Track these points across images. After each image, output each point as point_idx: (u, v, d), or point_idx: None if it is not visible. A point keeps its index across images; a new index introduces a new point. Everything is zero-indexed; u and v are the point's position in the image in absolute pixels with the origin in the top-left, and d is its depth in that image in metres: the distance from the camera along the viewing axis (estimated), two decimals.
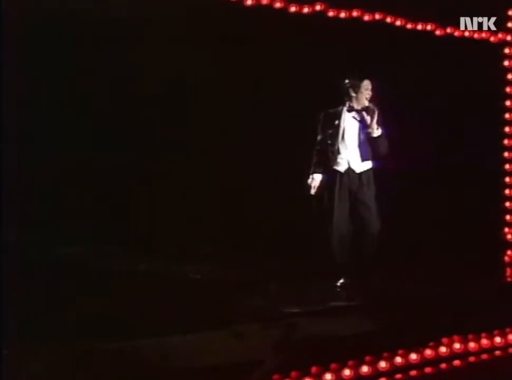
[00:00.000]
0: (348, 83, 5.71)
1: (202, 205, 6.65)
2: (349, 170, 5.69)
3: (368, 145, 5.67)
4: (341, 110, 5.75)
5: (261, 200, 6.63)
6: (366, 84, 5.68)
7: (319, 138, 5.80)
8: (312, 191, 5.75)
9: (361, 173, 5.70)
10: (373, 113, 5.61)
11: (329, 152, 5.72)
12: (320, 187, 5.73)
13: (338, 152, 5.69)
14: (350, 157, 5.69)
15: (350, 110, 5.72)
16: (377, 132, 5.63)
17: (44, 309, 4.47)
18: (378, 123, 5.62)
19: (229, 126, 6.59)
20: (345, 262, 5.70)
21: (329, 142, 5.72)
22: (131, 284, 5.43)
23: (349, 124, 5.72)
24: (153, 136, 6.50)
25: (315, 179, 5.75)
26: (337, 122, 5.72)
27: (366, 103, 5.68)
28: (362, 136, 5.67)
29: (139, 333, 4.30)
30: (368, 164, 5.72)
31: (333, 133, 5.71)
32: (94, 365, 4.00)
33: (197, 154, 6.63)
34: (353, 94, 5.70)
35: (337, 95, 5.77)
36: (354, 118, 5.70)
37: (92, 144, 6.23)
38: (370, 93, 5.68)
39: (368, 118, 5.62)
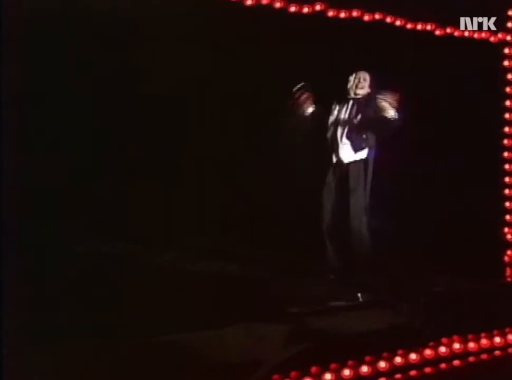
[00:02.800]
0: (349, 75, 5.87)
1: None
2: (339, 160, 5.71)
3: (361, 136, 5.69)
4: (337, 99, 5.85)
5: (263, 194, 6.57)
6: (359, 76, 5.82)
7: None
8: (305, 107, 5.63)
9: (349, 163, 5.69)
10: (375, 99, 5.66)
11: (325, 140, 5.77)
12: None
13: (334, 140, 5.73)
14: (342, 146, 5.71)
15: (344, 99, 5.82)
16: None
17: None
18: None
19: (228, 122, 6.52)
20: (334, 258, 5.70)
21: (325, 130, 5.76)
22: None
23: (342, 113, 5.78)
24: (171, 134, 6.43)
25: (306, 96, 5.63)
26: (334, 109, 5.80)
27: (359, 92, 5.80)
28: (355, 126, 5.70)
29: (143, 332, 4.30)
30: (360, 155, 5.71)
31: (325, 121, 5.78)
32: (103, 364, 4.01)
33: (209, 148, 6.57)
34: (348, 85, 5.85)
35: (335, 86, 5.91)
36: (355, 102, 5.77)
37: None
38: (362, 83, 5.80)
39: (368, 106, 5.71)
